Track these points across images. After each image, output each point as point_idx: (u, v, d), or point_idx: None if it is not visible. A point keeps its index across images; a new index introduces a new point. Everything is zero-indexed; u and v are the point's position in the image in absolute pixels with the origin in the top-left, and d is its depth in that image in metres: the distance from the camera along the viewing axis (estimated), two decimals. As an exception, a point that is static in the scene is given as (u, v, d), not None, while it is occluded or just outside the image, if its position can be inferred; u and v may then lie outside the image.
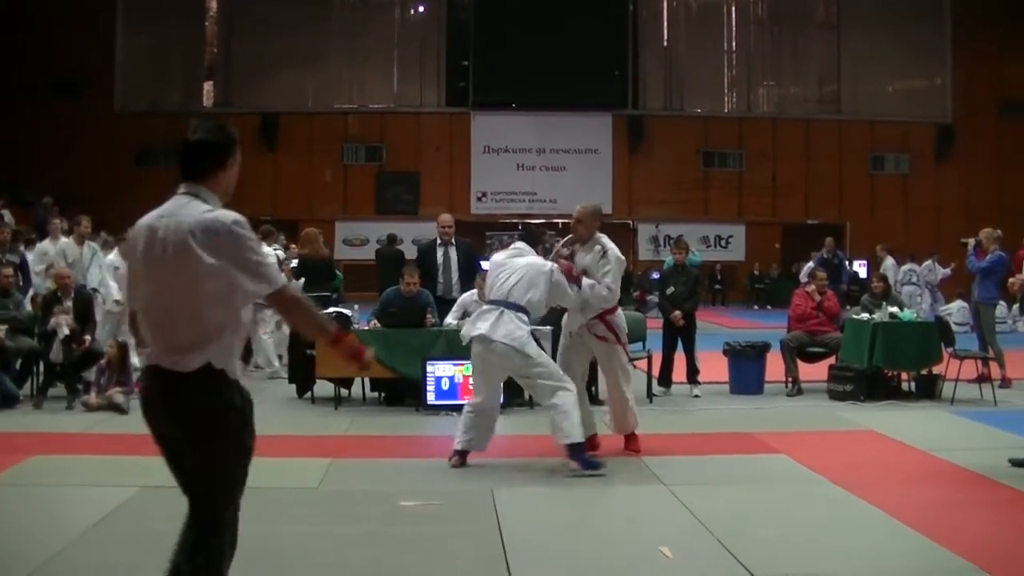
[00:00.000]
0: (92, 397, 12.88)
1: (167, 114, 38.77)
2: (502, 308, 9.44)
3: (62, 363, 13.29)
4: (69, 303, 13.72)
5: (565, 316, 10.58)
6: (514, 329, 9.33)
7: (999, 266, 15.49)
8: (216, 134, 4.96)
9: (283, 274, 4.84)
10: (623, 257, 10.47)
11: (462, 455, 9.68)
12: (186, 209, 4.73)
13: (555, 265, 9.84)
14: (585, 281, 9.98)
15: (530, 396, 13.21)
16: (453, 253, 14.58)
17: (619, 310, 10.53)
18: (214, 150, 4.95)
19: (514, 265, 9.71)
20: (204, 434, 4.70)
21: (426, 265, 14.51)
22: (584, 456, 9.33)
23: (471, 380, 10.21)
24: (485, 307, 9.73)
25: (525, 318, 9.50)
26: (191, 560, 4.81)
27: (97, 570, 6.62)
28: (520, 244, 10.10)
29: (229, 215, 4.69)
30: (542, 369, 9.50)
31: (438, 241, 14.71)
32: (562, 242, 10.53)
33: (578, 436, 9.30)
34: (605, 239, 10.31)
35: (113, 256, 16.67)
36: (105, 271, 16.50)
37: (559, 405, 9.29)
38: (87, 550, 6.98)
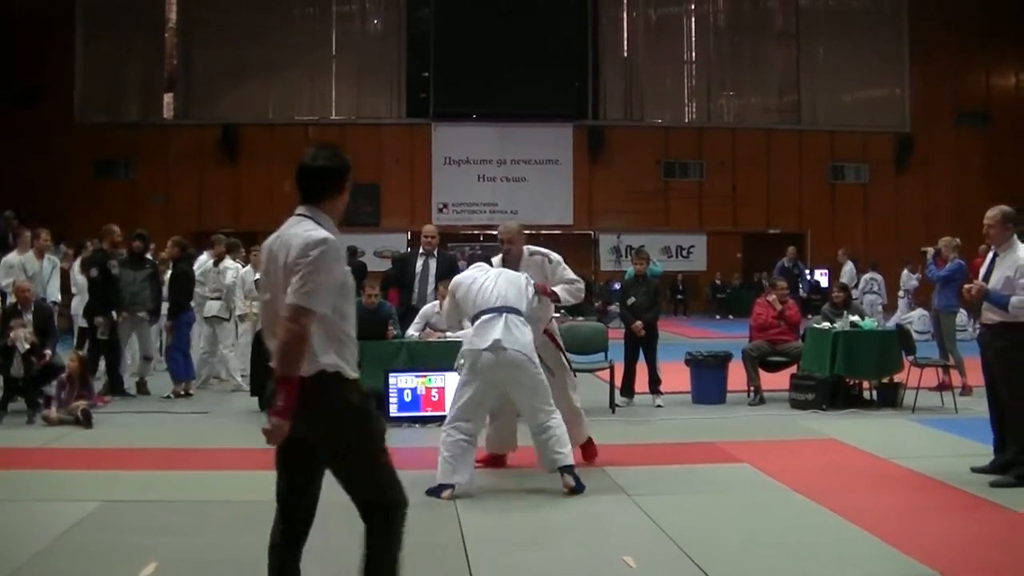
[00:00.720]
0: (52, 411, 12.76)
1: (127, 125, 38.80)
2: (503, 313, 9.09)
3: (23, 377, 13.17)
4: (29, 316, 13.62)
5: None
6: (524, 334, 9.07)
7: (958, 274, 15.60)
8: (335, 160, 5.36)
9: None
10: None
11: (452, 487, 9.05)
12: (294, 228, 5.25)
13: (527, 275, 9.70)
14: (558, 289, 9.95)
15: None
16: (432, 264, 14.49)
17: (553, 320, 10.51)
18: (333, 175, 5.37)
19: (489, 276, 9.47)
20: (332, 434, 5.16)
21: (403, 275, 14.47)
22: (576, 473, 9.13)
23: (461, 402, 9.27)
24: (484, 316, 9.18)
25: (527, 324, 9.24)
26: (369, 548, 5.47)
27: (58, 585, 6.60)
28: (482, 264, 9.93)
29: (319, 234, 5.17)
30: (543, 386, 9.22)
31: (420, 251, 14.65)
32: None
33: (571, 459, 9.21)
34: (534, 248, 10.24)
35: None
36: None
37: (552, 428, 9.09)
38: (48, 565, 6.94)
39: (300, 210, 5.35)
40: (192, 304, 16.29)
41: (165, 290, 16.06)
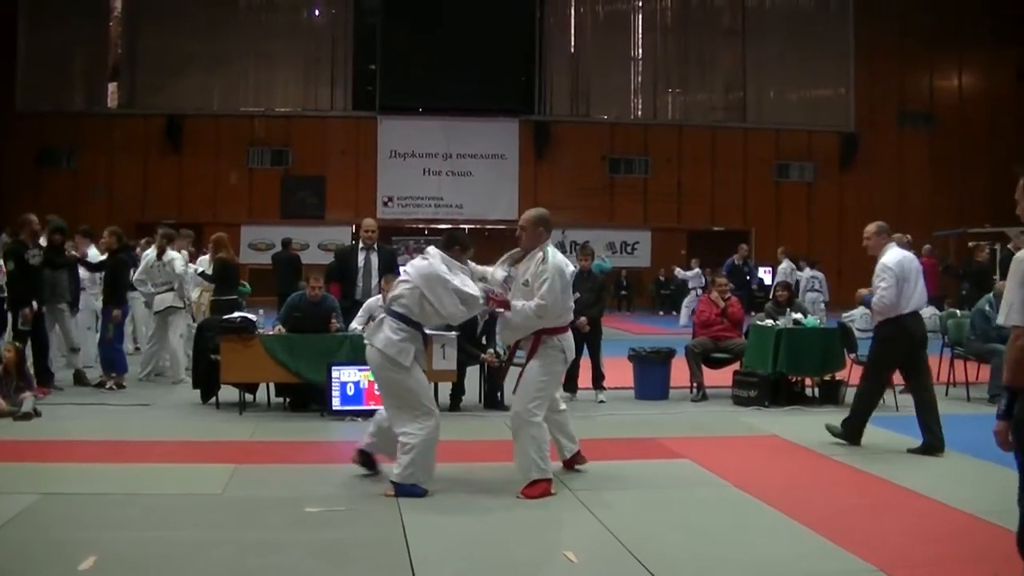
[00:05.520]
0: (1, 403, 12.57)
1: (70, 114, 38.47)
2: (384, 315, 9.10)
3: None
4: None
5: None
6: (390, 335, 8.84)
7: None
8: None
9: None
10: (569, 267, 9.26)
11: (363, 455, 9.46)
12: None
13: (440, 268, 8.99)
14: (515, 304, 9.10)
15: (451, 399, 13.35)
16: (374, 258, 14.47)
17: (565, 333, 9.37)
18: None
19: (407, 272, 9.19)
20: None
21: (345, 269, 14.39)
22: (404, 489, 8.69)
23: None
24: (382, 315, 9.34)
25: (405, 326, 8.89)
26: None
27: (-5, 578, 6.52)
28: (430, 249, 9.34)
29: None
30: (405, 388, 8.89)
31: (360, 245, 14.57)
32: (502, 260, 9.53)
33: (404, 480, 8.71)
34: (551, 248, 9.27)
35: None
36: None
37: (405, 444, 8.75)
38: (-16, 558, 6.86)
39: None
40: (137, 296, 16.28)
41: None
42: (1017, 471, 5.55)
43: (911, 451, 10.87)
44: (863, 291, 11.26)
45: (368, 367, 9.45)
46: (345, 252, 15.04)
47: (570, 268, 9.26)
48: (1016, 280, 5.66)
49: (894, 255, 11.07)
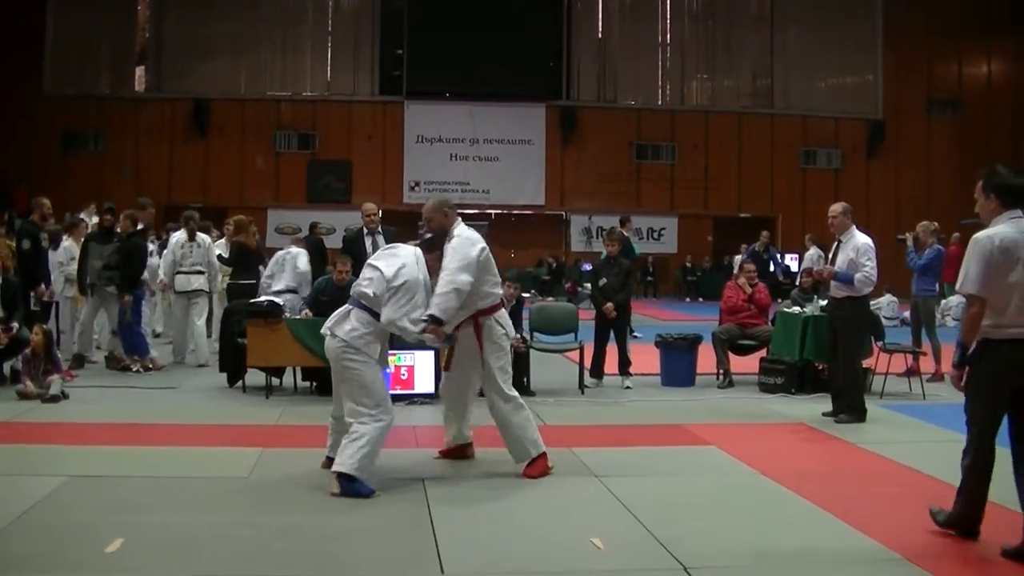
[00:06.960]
0: (29, 385, 12.61)
1: (97, 98, 38.52)
2: (352, 307, 8.64)
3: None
4: (-6, 289, 13.53)
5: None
6: (358, 326, 8.47)
7: (937, 260, 15.76)
8: None
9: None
10: (478, 245, 8.97)
11: (331, 461, 8.75)
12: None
13: (420, 278, 8.65)
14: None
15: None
16: (381, 241, 14.44)
17: (497, 312, 9.34)
18: None
19: (378, 267, 8.70)
20: None
21: (353, 254, 14.38)
22: (353, 487, 8.18)
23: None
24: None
25: (374, 320, 8.53)
26: None
27: (21, 561, 6.50)
28: (415, 250, 8.96)
29: None
30: (359, 384, 8.42)
31: (364, 230, 14.57)
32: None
33: (352, 470, 8.20)
34: (458, 230, 9.08)
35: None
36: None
37: (359, 433, 8.27)
38: (11, 541, 6.85)
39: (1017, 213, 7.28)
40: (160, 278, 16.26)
41: None
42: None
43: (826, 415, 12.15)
44: (830, 267, 12.17)
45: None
46: (351, 238, 15.01)
47: (479, 246, 8.96)
48: (975, 254, 6.88)
49: (865, 236, 12.14)
